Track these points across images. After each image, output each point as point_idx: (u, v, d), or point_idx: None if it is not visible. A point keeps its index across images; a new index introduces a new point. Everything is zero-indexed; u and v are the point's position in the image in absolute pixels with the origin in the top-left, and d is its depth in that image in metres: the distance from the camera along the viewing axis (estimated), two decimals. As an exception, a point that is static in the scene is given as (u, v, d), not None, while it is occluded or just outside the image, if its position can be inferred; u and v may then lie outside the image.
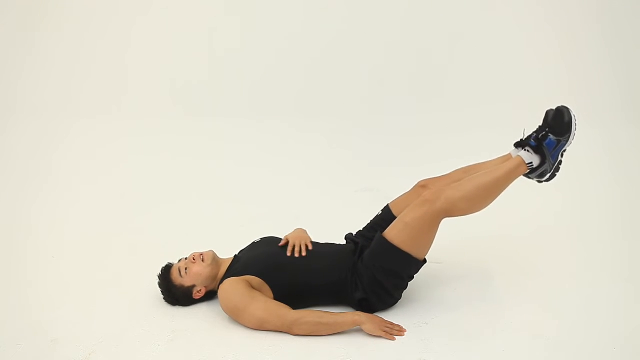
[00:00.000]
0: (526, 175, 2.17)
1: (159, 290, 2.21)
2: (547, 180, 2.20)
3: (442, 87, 3.91)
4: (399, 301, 2.16)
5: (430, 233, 2.06)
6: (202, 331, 2.02)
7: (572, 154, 3.59)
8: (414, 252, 2.04)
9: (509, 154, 2.25)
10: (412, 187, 2.34)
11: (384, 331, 1.95)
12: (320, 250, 2.19)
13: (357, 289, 2.06)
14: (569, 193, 3.27)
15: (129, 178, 3.57)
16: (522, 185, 3.35)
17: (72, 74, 4.03)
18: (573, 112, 2.12)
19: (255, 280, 2.06)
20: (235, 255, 2.27)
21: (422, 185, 2.29)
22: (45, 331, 2.02)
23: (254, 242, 2.30)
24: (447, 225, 2.98)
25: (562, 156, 2.16)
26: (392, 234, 2.05)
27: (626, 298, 2.20)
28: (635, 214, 3.04)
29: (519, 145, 2.17)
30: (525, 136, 2.16)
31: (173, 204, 3.33)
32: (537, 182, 2.23)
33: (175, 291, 2.16)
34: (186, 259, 2.19)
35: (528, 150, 2.12)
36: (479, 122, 3.80)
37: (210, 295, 2.22)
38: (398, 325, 1.99)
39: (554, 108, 2.15)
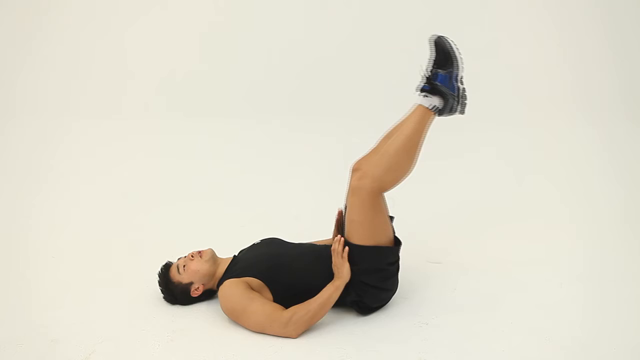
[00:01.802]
0: (440, 116, 2.09)
1: (159, 290, 2.22)
2: (461, 112, 2.11)
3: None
4: (398, 301, 2.16)
5: (379, 215, 2.04)
6: (202, 331, 2.02)
7: (573, 153, 3.66)
8: (378, 241, 2.03)
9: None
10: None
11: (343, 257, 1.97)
12: (317, 251, 2.18)
13: (347, 293, 2.05)
14: (569, 192, 3.27)
15: (129, 178, 3.57)
16: (521, 185, 3.39)
17: (72, 74, 4.03)
18: (449, 38, 2.04)
19: (254, 281, 2.06)
20: (235, 255, 2.27)
21: (356, 169, 2.15)
22: (45, 331, 2.02)
23: (253, 244, 2.29)
24: (447, 226, 3.00)
25: (461, 83, 2.07)
26: (350, 235, 2.04)
27: (627, 298, 2.20)
28: (636, 212, 3.04)
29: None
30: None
31: (173, 204, 3.33)
32: (454, 117, 2.13)
33: (173, 288, 2.17)
34: (185, 257, 2.20)
35: (426, 95, 2.05)
36: (479, 120, 3.79)
37: (210, 295, 2.22)
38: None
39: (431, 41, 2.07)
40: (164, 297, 2.21)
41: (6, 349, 1.93)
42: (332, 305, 1.98)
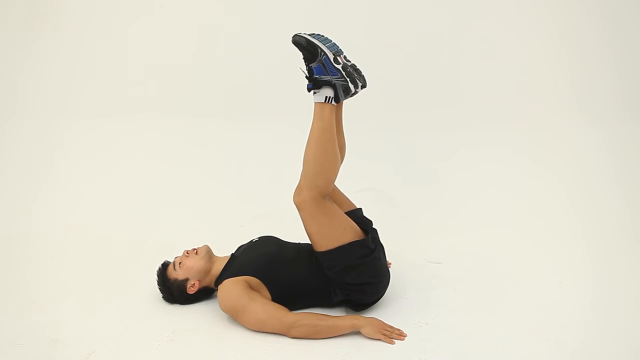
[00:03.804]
0: (339, 102, 2.06)
1: (158, 290, 2.22)
2: (362, 87, 2.07)
3: (442, 86, 3.90)
4: (398, 301, 2.16)
5: (332, 218, 2.04)
6: (202, 331, 2.02)
7: (574, 152, 3.66)
8: (343, 240, 2.03)
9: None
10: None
11: (383, 334, 1.95)
12: (314, 251, 2.18)
13: (335, 294, 2.07)
14: (571, 191, 3.27)
15: (129, 178, 3.57)
16: (522, 185, 3.39)
17: (72, 75, 4.03)
18: (301, 33, 2.03)
19: (253, 280, 2.07)
20: (232, 254, 2.27)
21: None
22: (45, 331, 2.03)
23: (251, 241, 2.30)
24: (448, 225, 3.00)
25: (339, 62, 2.03)
26: (317, 246, 2.05)
27: (627, 297, 2.20)
28: (637, 212, 3.04)
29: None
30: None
31: (173, 203, 3.33)
32: (357, 95, 2.09)
33: (169, 285, 2.18)
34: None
35: (315, 92, 2.04)
36: (480, 120, 3.81)
37: (209, 294, 2.23)
38: (398, 329, 1.98)
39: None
40: (162, 296, 2.22)
41: (6, 349, 1.93)
42: (338, 334, 1.96)
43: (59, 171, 3.62)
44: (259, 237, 2.33)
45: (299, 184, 2.04)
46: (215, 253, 2.26)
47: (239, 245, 2.33)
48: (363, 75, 2.10)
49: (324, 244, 2.03)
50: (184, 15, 4.05)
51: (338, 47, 2.07)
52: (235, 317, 2.02)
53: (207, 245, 2.24)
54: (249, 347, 1.91)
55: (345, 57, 2.08)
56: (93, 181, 3.55)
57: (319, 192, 2.01)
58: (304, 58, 2.04)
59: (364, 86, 2.09)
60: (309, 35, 2.03)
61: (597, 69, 3.88)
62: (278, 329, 1.96)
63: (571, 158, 3.58)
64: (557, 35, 3.92)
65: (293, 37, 2.04)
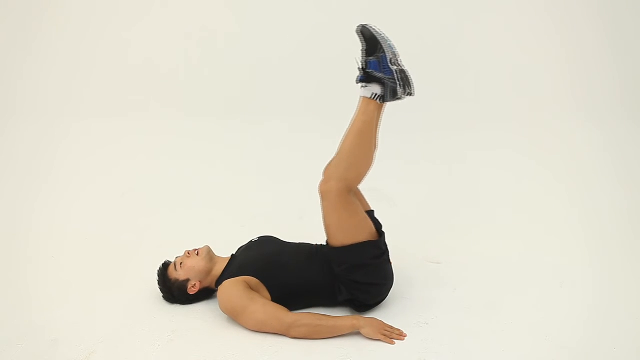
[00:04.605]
0: (385, 102, 2.06)
1: (158, 290, 2.22)
2: (409, 94, 2.07)
3: (442, 86, 3.90)
4: (398, 301, 2.16)
5: (353, 214, 2.03)
6: (202, 331, 2.02)
7: (574, 152, 3.66)
8: (359, 238, 2.03)
9: None
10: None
11: (384, 335, 1.94)
12: (313, 251, 2.19)
13: (340, 292, 2.07)
14: (571, 191, 3.27)
15: (129, 178, 3.57)
16: (522, 185, 3.39)
17: (72, 75, 4.03)
18: (370, 25, 2.03)
19: (252, 280, 2.06)
20: (233, 254, 2.27)
21: (323, 175, 2.14)
22: (45, 331, 2.02)
23: (251, 241, 2.30)
24: (447, 225, 3.00)
25: (395, 64, 2.03)
26: (330, 239, 2.05)
27: (628, 297, 2.20)
28: (637, 211, 3.04)
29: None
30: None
31: (173, 203, 3.34)
32: (403, 100, 2.09)
33: (170, 285, 2.18)
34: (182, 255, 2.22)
35: (364, 86, 2.04)
36: (480, 120, 3.80)
37: (209, 295, 2.23)
38: (398, 329, 1.98)
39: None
40: (163, 296, 2.22)
41: (6, 349, 1.93)
42: (338, 334, 1.96)
43: (59, 171, 3.62)
44: (258, 237, 2.33)
45: (327, 172, 2.03)
46: (215, 253, 2.26)
47: (239, 246, 2.33)
48: (412, 84, 2.08)
49: (339, 238, 2.02)
50: (184, 15, 4.05)
51: (396, 49, 2.07)
52: (235, 318, 2.01)
53: (208, 246, 2.24)
54: (249, 347, 1.91)
55: (400, 61, 2.07)
56: (93, 181, 3.55)
57: (346, 185, 2.00)
58: (365, 49, 2.03)
59: (410, 94, 2.08)
60: (375, 28, 2.03)
61: (596, 69, 3.88)
62: (278, 329, 1.96)
63: (571, 158, 3.58)
64: (555, 34, 3.92)
65: (360, 27, 2.03)
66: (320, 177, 2.04)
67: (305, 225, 2.92)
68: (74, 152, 3.77)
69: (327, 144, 3.85)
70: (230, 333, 2.00)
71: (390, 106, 2.12)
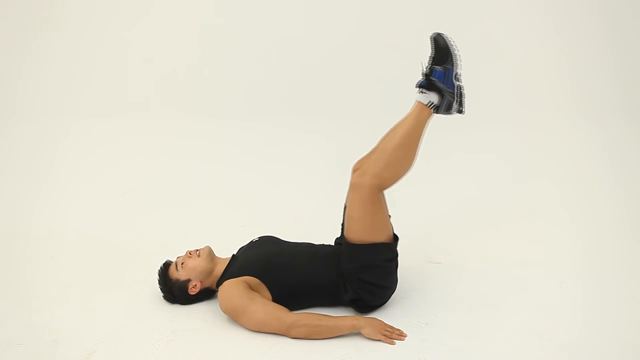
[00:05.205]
0: (437, 113, 2.07)
1: (159, 290, 2.22)
2: (459, 112, 2.09)
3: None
4: (398, 301, 2.16)
5: (378, 213, 2.04)
6: (202, 331, 2.02)
7: (572, 152, 3.66)
8: (377, 238, 2.04)
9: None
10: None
11: (384, 335, 1.94)
12: (314, 250, 2.19)
13: (346, 291, 2.06)
14: (569, 192, 3.27)
15: (129, 178, 3.57)
16: (522, 185, 3.39)
17: (72, 74, 4.03)
18: (446, 35, 2.05)
19: (253, 280, 2.06)
20: (233, 254, 2.27)
21: (356, 169, 2.17)
22: (45, 331, 2.02)
23: (252, 241, 2.30)
24: (447, 225, 3.00)
25: (458, 80, 2.06)
26: (349, 232, 2.05)
27: (627, 297, 2.20)
28: (635, 212, 3.04)
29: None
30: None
31: (173, 203, 3.34)
32: (451, 116, 2.11)
33: (171, 285, 2.18)
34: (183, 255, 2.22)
35: (423, 92, 2.04)
36: (479, 120, 3.79)
37: (209, 295, 2.23)
38: (398, 329, 1.98)
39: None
40: (163, 296, 2.22)
41: (6, 349, 1.93)
42: (338, 335, 1.96)
43: (59, 171, 3.62)
44: (259, 237, 2.33)
45: (364, 166, 2.04)
46: (216, 253, 2.26)
47: (240, 246, 2.33)
48: (464, 103, 2.09)
49: (358, 233, 2.02)
50: (184, 15, 4.05)
51: (461, 67, 2.07)
52: (235, 318, 2.01)
53: (209, 246, 2.24)
54: (249, 347, 1.91)
55: (459, 77, 2.08)
56: (93, 181, 3.55)
57: (380, 182, 2.01)
58: (433, 57, 2.04)
59: (460, 112, 2.09)
60: (451, 40, 2.04)
61: (595, 70, 3.88)
62: (278, 329, 1.95)
63: (569, 159, 3.58)
64: (554, 34, 3.92)
65: (435, 34, 2.04)
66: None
67: (306, 225, 2.93)
68: (74, 152, 3.77)
69: (327, 143, 3.88)
70: (230, 333, 2.00)
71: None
